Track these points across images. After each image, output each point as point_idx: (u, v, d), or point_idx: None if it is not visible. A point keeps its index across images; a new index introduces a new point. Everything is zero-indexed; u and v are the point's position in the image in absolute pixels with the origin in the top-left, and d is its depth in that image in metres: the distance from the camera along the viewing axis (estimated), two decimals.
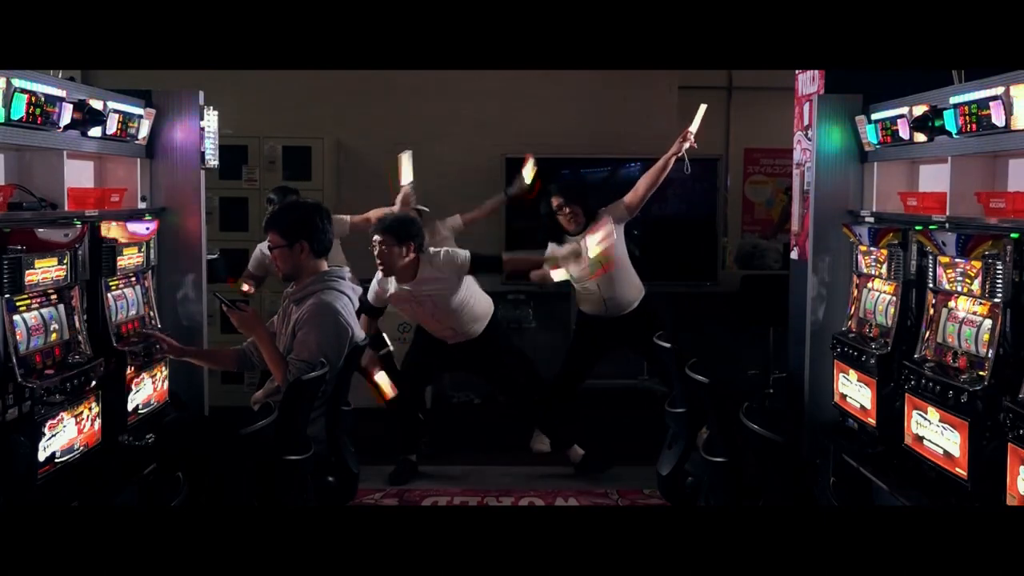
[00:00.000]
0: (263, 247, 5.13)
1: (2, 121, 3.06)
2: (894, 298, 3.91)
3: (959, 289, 3.32)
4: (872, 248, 4.05)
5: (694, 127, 5.31)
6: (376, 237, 4.76)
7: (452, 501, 4.93)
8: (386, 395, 4.40)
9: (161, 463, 3.90)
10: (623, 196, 5.47)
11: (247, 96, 6.65)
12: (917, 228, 3.69)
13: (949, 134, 3.45)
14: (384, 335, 5.41)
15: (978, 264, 3.15)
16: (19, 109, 3.09)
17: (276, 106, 7.09)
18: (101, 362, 3.53)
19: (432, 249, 4.95)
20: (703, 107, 5.30)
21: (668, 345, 4.21)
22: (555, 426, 5.48)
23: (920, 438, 3.41)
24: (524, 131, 7.18)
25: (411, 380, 5.30)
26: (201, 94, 4.53)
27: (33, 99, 3.15)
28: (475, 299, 5.14)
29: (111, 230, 3.85)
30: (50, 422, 3.14)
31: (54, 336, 3.36)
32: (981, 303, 3.21)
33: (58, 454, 3.19)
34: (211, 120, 4.56)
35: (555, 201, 5.37)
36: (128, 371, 3.83)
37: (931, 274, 3.52)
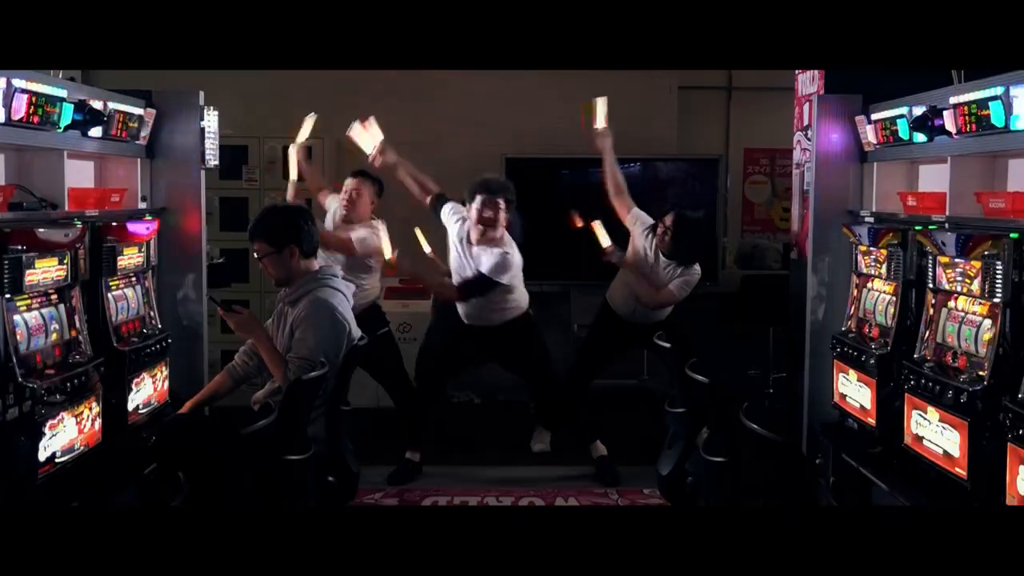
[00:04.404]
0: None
1: (2, 121, 3.06)
2: (894, 298, 3.91)
3: (959, 289, 3.32)
4: (872, 248, 4.05)
5: (600, 123, 5.19)
6: (501, 201, 4.91)
7: (452, 501, 4.92)
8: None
9: (161, 463, 3.90)
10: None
11: (247, 96, 6.65)
12: (917, 228, 3.69)
13: (949, 134, 3.46)
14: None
15: (978, 264, 3.15)
16: (19, 109, 3.09)
17: (276, 106, 7.08)
18: (101, 362, 3.53)
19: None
20: (600, 102, 5.20)
21: (668, 345, 4.21)
22: (578, 422, 5.45)
23: (920, 438, 3.41)
24: (524, 131, 7.18)
25: (436, 373, 5.32)
26: (201, 94, 4.53)
27: (33, 99, 3.16)
28: (518, 289, 5.17)
29: (111, 230, 3.85)
30: (50, 422, 3.14)
31: (54, 336, 3.36)
32: (981, 303, 3.21)
33: (58, 454, 3.19)
34: (211, 120, 4.56)
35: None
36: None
37: (931, 274, 3.52)
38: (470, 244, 4.99)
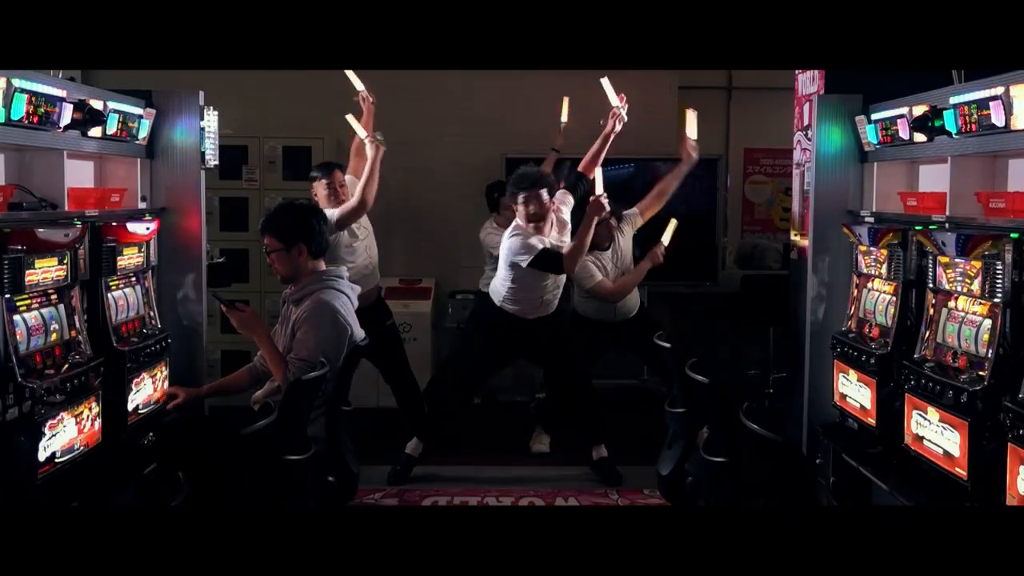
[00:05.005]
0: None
1: (2, 121, 3.06)
2: (894, 298, 3.91)
3: (959, 289, 3.32)
4: (872, 248, 4.05)
5: (693, 133, 5.36)
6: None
7: (452, 501, 4.93)
8: None
9: (161, 463, 3.90)
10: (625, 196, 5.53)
11: (247, 96, 6.64)
12: (917, 228, 3.69)
13: (949, 134, 3.45)
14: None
15: (978, 264, 3.16)
16: (19, 109, 3.09)
17: (276, 106, 7.09)
18: (101, 362, 3.53)
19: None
20: (692, 114, 5.35)
21: (668, 345, 4.21)
22: (598, 420, 5.43)
23: (920, 438, 3.41)
24: (524, 131, 7.18)
25: (480, 380, 5.40)
26: (201, 94, 4.52)
27: (33, 99, 3.15)
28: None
29: (111, 230, 3.85)
30: (50, 422, 3.14)
31: (54, 336, 3.35)
32: (981, 303, 3.21)
33: (58, 454, 3.19)
34: (211, 120, 4.56)
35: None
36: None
37: (931, 274, 3.52)
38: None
